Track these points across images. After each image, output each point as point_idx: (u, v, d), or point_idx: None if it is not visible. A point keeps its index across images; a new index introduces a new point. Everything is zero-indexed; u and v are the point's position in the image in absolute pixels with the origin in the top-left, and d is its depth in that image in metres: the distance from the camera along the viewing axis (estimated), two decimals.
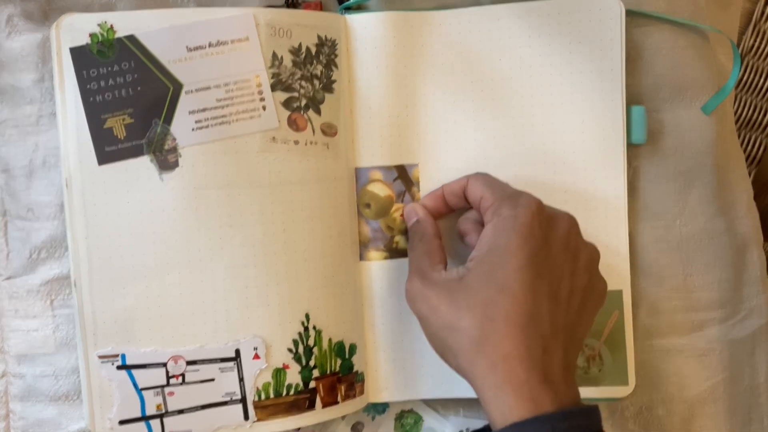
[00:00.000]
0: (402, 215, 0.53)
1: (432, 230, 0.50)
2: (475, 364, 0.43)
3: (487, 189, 0.48)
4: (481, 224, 0.47)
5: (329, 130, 0.51)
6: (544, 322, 0.43)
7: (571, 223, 0.47)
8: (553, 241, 0.45)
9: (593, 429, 0.42)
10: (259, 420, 0.50)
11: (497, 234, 0.45)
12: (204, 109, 0.49)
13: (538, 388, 0.41)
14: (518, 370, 0.42)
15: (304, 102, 0.51)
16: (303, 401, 0.51)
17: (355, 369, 0.52)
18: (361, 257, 0.53)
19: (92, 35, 0.49)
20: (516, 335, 0.42)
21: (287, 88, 0.50)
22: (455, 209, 0.52)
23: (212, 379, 0.50)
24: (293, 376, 0.50)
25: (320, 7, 0.53)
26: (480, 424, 0.54)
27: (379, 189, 0.53)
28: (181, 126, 0.49)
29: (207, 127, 0.49)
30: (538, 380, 0.41)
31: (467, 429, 0.55)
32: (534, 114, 0.52)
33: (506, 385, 0.42)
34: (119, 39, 0.49)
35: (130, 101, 0.49)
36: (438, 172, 0.53)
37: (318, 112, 0.51)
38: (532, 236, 0.44)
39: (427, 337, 0.47)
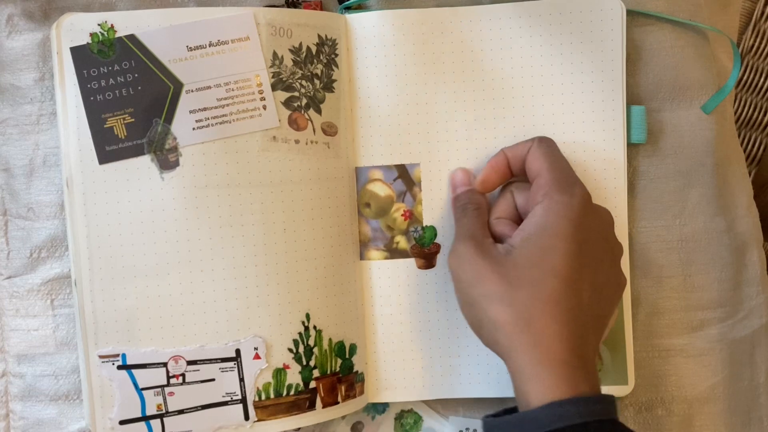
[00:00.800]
0: (403, 214, 0.53)
1: (485, 202, 0.51)
2: (515, 340, 0.44)
3: (546, 166, 0.48)
4: (517, 224, 0.48)
5: (330, 130, 0.51)
6: (585, 308, 0.44)
7: (610, 218, 0.49)
8: (596, 233, 0.46)
9: (616, 416, 0.43)
10: (259, 420, 0.50)
11: (548, 217, 0.46)
12: (204, 109, 0.49)
13: (576, 370, 0.42)
14: (560, 351, 0.43)
15: (304, 101, 0.51)
16: (303, 401, 0.51)
17: (355, 369, 0.52)
18: (362, 257, 0.53)
19: (93, 35, 0.49)
20: (561, 317, 0.43)
21: (288, 88, 0.50)
22: (515, 176, 0.51)
23: (213, 379, 0.50)
24: (293, 376, 0.50)
25: (320, 7, 0.53)
26: (479, 423, 0.54)
27: (379, 188, 0.53)
28: (182, 125, 0.49)
29: (207, 126, 0.49)
30: (576, 363, 0.43)
31: (467, 429, 0.55)
32: (535, 114, 0.53)
33: (546, 364, 0.42)
34: (120, 38, 0.49)
35: (131, 101, 0.49)
36: (440, 171, 0.53)
37: (318, 111, 0.51)
38: (582, 225, 0.45)
39: (462, 303, 0.47)
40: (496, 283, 0.45)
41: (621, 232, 0.53)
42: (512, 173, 0.51)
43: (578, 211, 0.45)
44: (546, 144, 0.49)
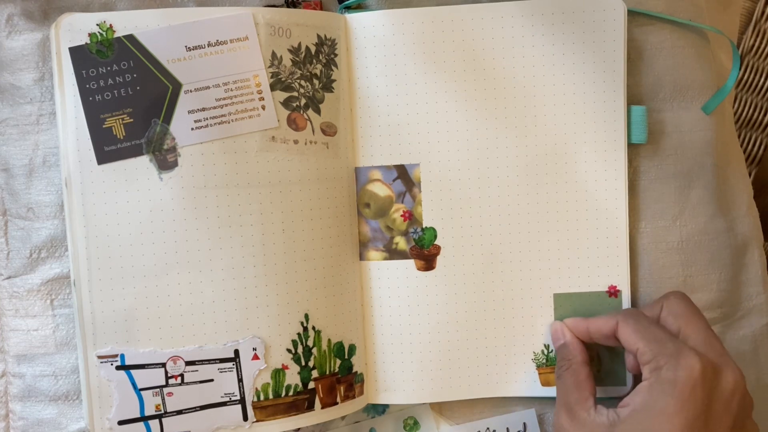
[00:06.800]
0: (402, 215, 0.53)
1: (580, 357, 0.49)
2: None
3: (641, 340, 0.45)
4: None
5: (329, 130, 0.51)
6: None
7: (737, 383, 0.44)
8: (714, 404, 0.44)
9: None
10: (258, 421, 0.50)
11: (654, 395, 0.44)
12: (203, 109, 0.49)
13: None
14: None
15: (303, 101, 0.51)
16: (302, 402, 0.51)
17: (354, 370, 0.52)
18: (361, 257, 0.53)
19: (91, 35, 0.48)
20: None
21: (287, 88, 0.50)
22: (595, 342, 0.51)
23: (211, 380, 0.50)
24: (292, 377, 0.50)
25: (320, 7, 0.53)
26: (480, 424, 0.54)
27: (379, 189, 0.53)
28: (181, 125, 0.49)
29: (206, 126, 0.49)
30: None
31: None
32: (536, 114, 0.52)
33: None
34: (118, 38, 0.49)
35: (130, 101, 0.49)
36: (440, 172, 0.53)
37: (318, 111, 0.51)
38: (692, 401, 0.43)
39: None
40: None
41: (621, 232, 0.53)
42: (592, 340, 0.50)
43: (686, 388, 0.43)
44: (633, 317, 0.47)
